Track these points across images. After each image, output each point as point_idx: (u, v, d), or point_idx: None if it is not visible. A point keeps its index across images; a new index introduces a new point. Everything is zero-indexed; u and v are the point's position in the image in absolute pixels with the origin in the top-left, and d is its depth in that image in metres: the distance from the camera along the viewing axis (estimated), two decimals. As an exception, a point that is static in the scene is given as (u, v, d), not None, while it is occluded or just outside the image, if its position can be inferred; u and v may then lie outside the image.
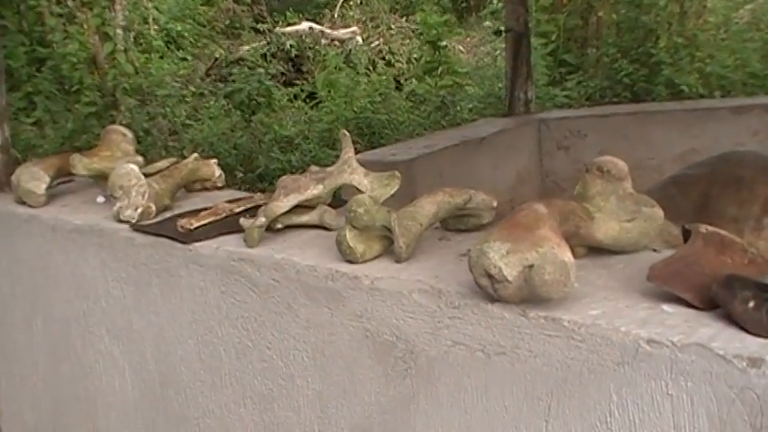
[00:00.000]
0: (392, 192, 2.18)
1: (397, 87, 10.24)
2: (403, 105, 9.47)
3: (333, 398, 1.96)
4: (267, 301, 2.03)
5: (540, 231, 1.57)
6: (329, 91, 9.84)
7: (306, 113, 9.29)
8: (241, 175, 7.71)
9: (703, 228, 1.62)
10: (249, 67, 9.18)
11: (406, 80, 10.55)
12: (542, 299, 1.56)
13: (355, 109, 9.03)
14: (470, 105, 9.19)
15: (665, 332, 1.45)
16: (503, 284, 1.56)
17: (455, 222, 2.05)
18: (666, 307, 1.55)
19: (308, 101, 9.84)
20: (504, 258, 1.55)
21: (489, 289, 1.59)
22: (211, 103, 8.75)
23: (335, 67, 9.76)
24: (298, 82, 10.03)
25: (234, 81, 8.91)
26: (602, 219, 1.78)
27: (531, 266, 1.54)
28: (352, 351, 1.89)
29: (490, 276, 1.57)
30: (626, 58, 8.97)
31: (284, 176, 2.21)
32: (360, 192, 2.14)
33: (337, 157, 2.26)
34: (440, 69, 9.87)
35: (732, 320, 1.46)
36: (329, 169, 2.23)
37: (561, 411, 1.57)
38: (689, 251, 1.60)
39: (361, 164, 2.30)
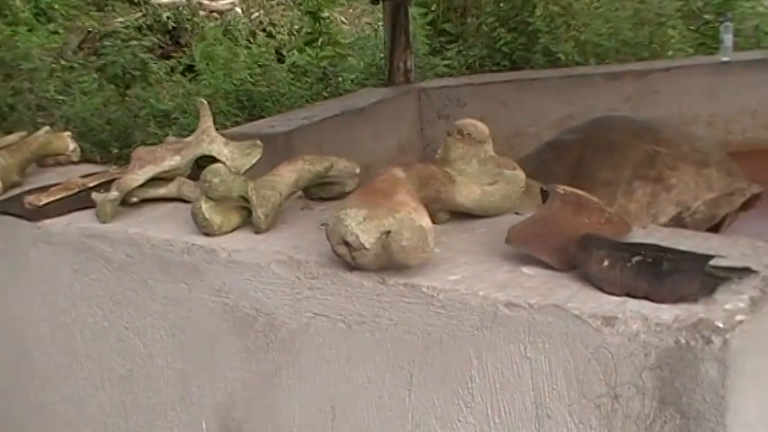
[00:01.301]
0: (254, 161, 2.10)
1: (279, 59, 10.09)
2: (285, 77, 9.34)
3: (194, 376, 1.88)
4: (122, 279, 1.94)
5: (398, 197, 1.52)
6: (208, 63, 9.62)
7: (184, 87, 9.06)
8: (116, 151, 7.47)
9: (561, 188, 1.60)
10: (123, 40, 8.87)
11: (288, 52, 10.41)
12: (401, 265, 1.52)
13: (235, 81, 8.85)
14: (352, 76, 9.14)
15: (524, 295, 1.43)
16: (360, 252, 1.51)
17: (318, 191, 2.00)
18: (526, 269, 1.53)
19: (186, 74, 9.60)
20: (360, 225, 1.50)
21: (347, 257, 1.54)
22: (84, 77, 8.43)
23: (214, 39, 9.53)
24: (175, 55, 9.77)
25: (107, 54, 8.60)
26: (464, 182, 1.75)
27: (388, 233, 1.49)
28: (211, 327, 1.81)
29: (347, 244, 1.52)
30: (504, 27, 9.05)
31: (139, 147, 2.11)
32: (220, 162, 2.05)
33: (217, 130, 2.16)
34: (321, 41, 9.76)
35: (589, 280, 1.45)
36: (187, 139, 2.14)
37: (423, 379, 1.53)
38: (547, 212, 1.58)
39: (240, 137, 2.22)
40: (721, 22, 6.60)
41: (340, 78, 9.23)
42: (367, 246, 1.50)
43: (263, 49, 9.85)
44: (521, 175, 1.81)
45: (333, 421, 1.68)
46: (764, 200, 5.28)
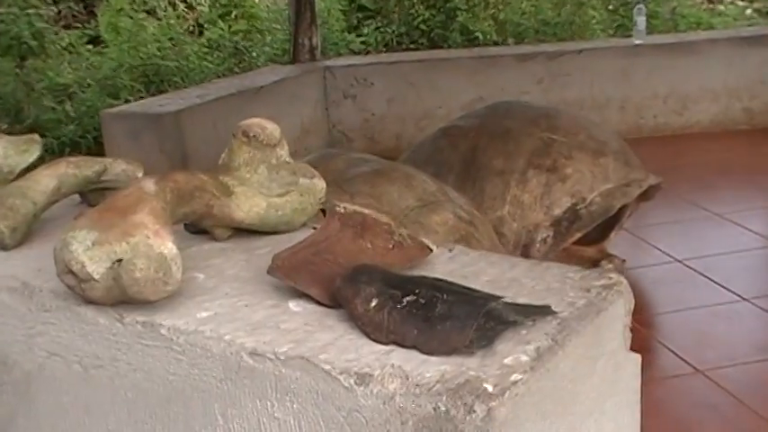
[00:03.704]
0: (31, 159, 1.80)
1: (200, 32, 9.68)
2: (198, 51, 8.95)
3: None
4: None
5: (136, 217, 1.26)
6: (118, 35, 9.18)
7: (88, 59, 8.63)
8: (6, 126, 7.06)
9: (341, 206, 1.35)
10: (21, 8, 8.39)
11: (199, 25, 10.00)
12: (137, 300, 1.26)
13: (142, 55, 8.45)
14: (266, 50, 8.81)
15: (275, 341, 1.18)
16: (90, 284, 1.25)
17: (97, 197, 1.72)
18: (293, 305, 1.29)
19: (94, 45, 9.15)
20: (88, 251, 1.24)
21: (77, 289, 1.28)
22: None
23: (119, 10, 9.08)
24: (88, 25, 9.31)
25: (2, 21, 8.14)
26: (245, 194, 1.49)
27: (120, 261, 1.23)
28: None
29: (74, 274, 1.26)
30: (423, 3, 8.78)
31: None
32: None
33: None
34: (234, 13, 9.38)
35: (355, 323, 1.20)
36: (-44, 133, 1.84)
37: (167, 436, 1.28)
38: (322, 235, 1.33)
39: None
40: (635, 4, 6.43)
41: (254, 54, 8.88)
42: (96, 276, 1.24)
43: (173, 21, 9.43)
44: (319, 184, 1.56)
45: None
46: (666, 189, 5.15)
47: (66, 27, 9.29)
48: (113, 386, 1.31)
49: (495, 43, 8.14)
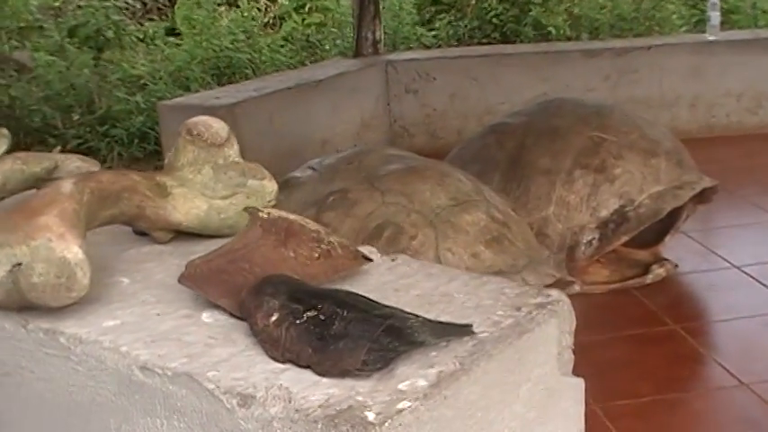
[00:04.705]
0: (0, 152, 1.78)
1: (280, 26, 9.72)
2: (272, 44, 8.98)
3: None
4: None
5: (42, 219, 1.20)
6: (194, 27, 9.29)
7: (163, 51, 8.74)
8: (77, 117, 7.20)
9: (265, 212, 1.27)
10: (99, 0, 8.57)
11: (278, 17, 10.04)
12: (39, 306, 1.20)
13: (214, 47, 8.51)
14: (337, 43, 8.78)
15: (170, 355, 1.11)
16: (-7, 287, 1.20)
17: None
18: (207, 316, 1.22)
19: (170, 37, 9.27)
20: (-9, 254, 1.19)
21: (-17, 292, 1.23)
22: (49, 39, 8.13)
23: (197, 2, 9.18)
24: (157, 18, 9.45)
25: (80, 15, 8.31)
26: (184, 195, 1.42)
27: (19, 265, 1.18)
28: None
29: (-22, 276, 1.21)
30: (497, -3, 8.62)
31: None
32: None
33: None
34: (308, 6, 9.38)
35: (256, 338, 1.13)
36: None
37: (73, 449, 1.22)
38: (240, 242, 1.25)
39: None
40: (711, -1, 6.16)
41: (327, 47, 8.86)
42: (-2, 280, 1.19)
43: (249, 14, 9.49)
44: (269, 186, 1.48)
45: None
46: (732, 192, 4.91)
47: (148, 20, 9.43)
48: (21, 395, 1.26)
49: (569, 38, 7.93)
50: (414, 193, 3.26)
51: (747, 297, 3.74)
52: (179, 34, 9.32)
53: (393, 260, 1.35)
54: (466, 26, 8.63)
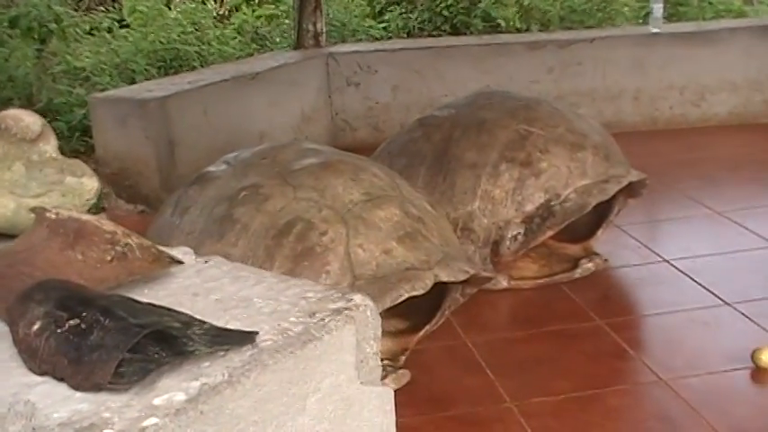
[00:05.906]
0: None
1: (227, 17, 9.59)
2: (220, 36, 8.86)
3: None
4: None
5: None
6: (145, 20, 9.14)
7: (109, 44, 8.59)
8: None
9: (52, 212, 1.18)
10: (40, -10, 8.39)
11: (228, 10, 9.92)
12: None
13: (162, 40, 8.38)
14: (287, 36, 8.67)
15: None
16: None
17: None
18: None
19: (123, 29, 9.12)
20: None
21: None
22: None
23: (142, -7, 9.04)
24: (103, 9, 9.29)
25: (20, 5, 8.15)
26: (-11, 193, 1.34)
27: None
28: None
29: None
30: (447, -11, 8.54)
31: None
32: None
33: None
34: (257, -1, 9.27)
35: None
36: None
37: None
38: (23, 244, 1.16)
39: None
40: (655, -10, 6.11)
41: (277, 40, 8.75)
42: None
43: (198, 5, 9.35)
44: (89, 184, 1.40)
45: None
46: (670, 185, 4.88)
47: (100, 12, 9.27)
48: None
49: (518, 30, 7.87)
50: (326, 189, 3.17)
51: (674, 292, 3.70)
52: (126, 26, 9.17)
53: (206, 262, 1.27)
54: (416, 18, 8.55)
